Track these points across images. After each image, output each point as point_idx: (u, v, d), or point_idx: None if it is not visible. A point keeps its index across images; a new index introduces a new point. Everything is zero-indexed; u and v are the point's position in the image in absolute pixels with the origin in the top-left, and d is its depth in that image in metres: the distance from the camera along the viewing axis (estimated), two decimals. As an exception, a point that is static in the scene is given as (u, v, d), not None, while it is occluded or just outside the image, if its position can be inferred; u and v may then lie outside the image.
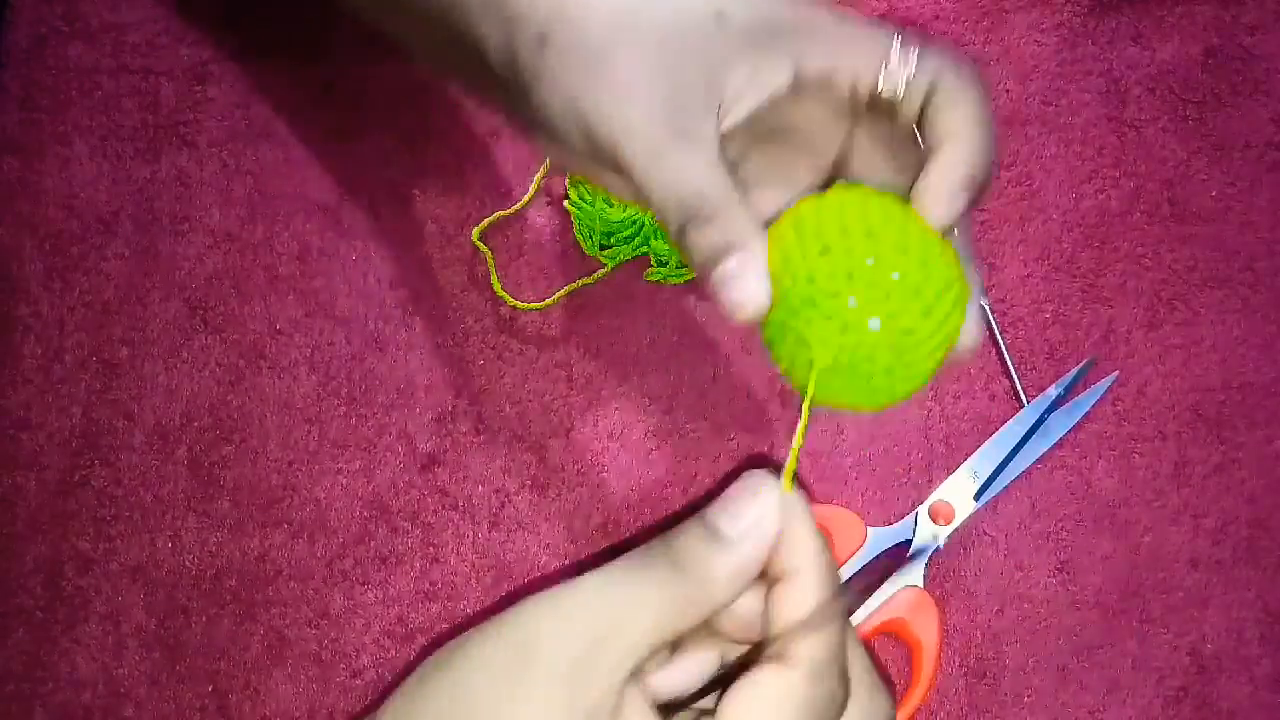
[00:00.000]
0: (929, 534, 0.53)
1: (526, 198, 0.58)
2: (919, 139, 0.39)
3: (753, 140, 0.44)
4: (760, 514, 0.33)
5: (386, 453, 0.56)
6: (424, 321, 0.57)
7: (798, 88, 0.40)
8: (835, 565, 0.35)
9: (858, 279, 0.35)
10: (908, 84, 0.39)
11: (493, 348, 0.57)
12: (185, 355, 0.57)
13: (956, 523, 0.53)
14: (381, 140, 0.60)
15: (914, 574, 0.52)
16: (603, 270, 0.57)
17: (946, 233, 0.38)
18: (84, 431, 0.56)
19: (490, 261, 0.58)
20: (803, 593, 0.34)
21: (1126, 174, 0.59)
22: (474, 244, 0.58)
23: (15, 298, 0.57)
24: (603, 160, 0.39)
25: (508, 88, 0.41)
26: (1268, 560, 0.54)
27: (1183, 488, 0.55)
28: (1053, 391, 0.55)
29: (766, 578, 0.35)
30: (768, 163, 0.44)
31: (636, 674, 0.32)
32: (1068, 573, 0.54)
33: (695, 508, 0.55)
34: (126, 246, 0.58)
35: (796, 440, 0.35)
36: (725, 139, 0.40)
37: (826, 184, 0.44)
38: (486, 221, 0.58)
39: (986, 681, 0.52)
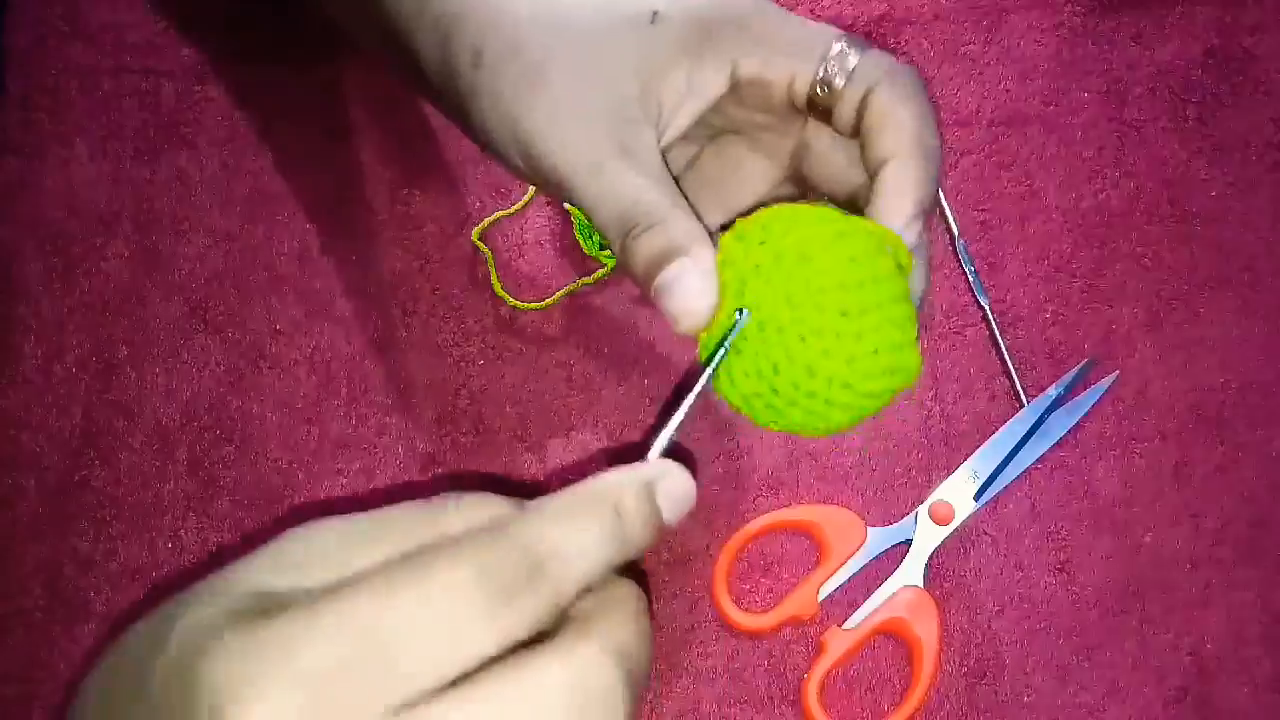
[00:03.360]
0: (929, 534, 0.53)
1: (526, 198, 0.58)
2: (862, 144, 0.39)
3: (707, 139, 0.43)
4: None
5: (386, 453, 0.56)
6: (424, 321, 0.57)
7: (736, 89, 0.39)
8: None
9: (796, 309, 0.36)
10: (840, 91, 0.38)
11: (493, 348, 0.57)
12: (185, 355, 0.57)
13: (956, 523, 0.53)
14: (381, 140, 0.60)
15: (914, 574, 0.52)
16: (603, 270, 0.57)
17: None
18: (84, 431, 0.56)
19: (490, 261, 0.58)
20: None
21: (1126, 174, 0.59)
22: (474, 244, 0.58)
23: (15, 298, 0.57)
24: (545, 177, 0.38)
25: (448, 102, 0.40)
26: (1268, 560, 0.54)
27: (1183, 488, 0.55)
28: (1053, 391, 0.55)
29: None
30: (723, 161, 0.43)
31: None
32: (1068, 573, 0.54)
33: (695, 508, 0.54)
34: (126, 246, 0.58)
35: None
36: (674, 144, 0.40)
37: (784, 181, 0.43)
38: (487, 221, 0.58)
39: (986, 681, 0.52)
